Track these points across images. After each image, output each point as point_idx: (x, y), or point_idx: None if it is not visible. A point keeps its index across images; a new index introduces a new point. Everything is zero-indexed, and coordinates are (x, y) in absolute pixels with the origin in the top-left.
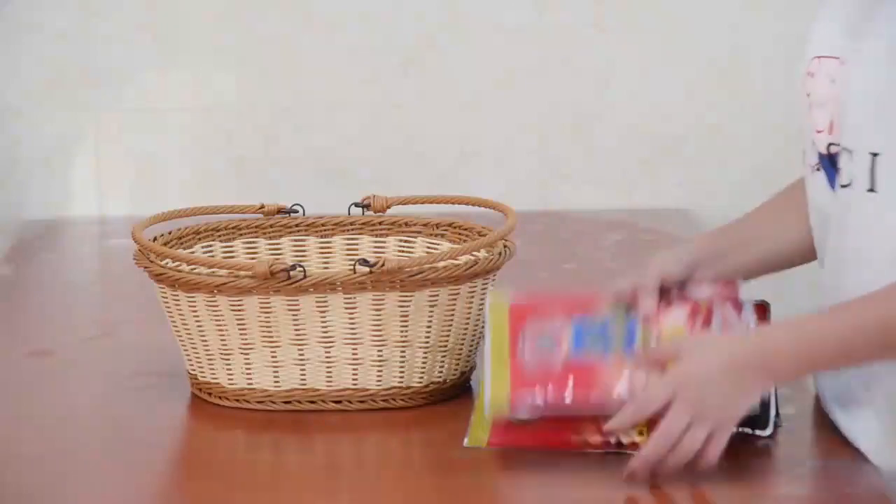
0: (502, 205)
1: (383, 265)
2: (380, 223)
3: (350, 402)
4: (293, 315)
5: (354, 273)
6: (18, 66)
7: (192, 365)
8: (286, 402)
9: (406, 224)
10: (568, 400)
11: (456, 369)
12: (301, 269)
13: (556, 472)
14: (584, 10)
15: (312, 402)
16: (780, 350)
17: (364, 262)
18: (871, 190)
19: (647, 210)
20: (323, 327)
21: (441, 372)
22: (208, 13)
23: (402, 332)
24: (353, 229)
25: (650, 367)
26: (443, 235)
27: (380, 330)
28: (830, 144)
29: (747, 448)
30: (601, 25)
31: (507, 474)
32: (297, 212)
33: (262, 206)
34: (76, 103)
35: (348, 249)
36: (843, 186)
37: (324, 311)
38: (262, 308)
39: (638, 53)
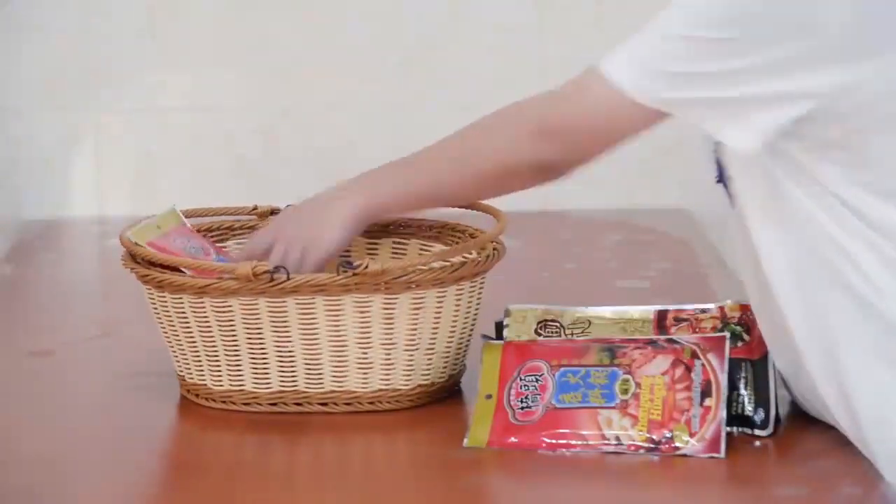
0: (492, 207)
1: (367, 267)
2: (373, 225)
3: (336, 404)
4: (278, 317)
5: (338, 275)
6: (18, 66)
7: (179, 366)
8: (272, 405)
9: (400, 226)
10: (543, 446)
11: (443, 371)
12: (284, 271)
13: (553, 472)
14: (584, 10)
15: (298, 404)
16: (374, 182)
17: (348, 264)
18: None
19: (646, 210)
20: (308, 329)
21: (427, 374)
22: (208, 13)
23: (386, 334)
24: None
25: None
26: (436, 238)
27: (365, 332)
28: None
29: (747, 448)
30: (601, 25)
31: (494, 477)
32: None
33: (256, 208)
34: (76, 103)
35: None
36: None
37: (308, 314)
38: (246, 310)
39: None
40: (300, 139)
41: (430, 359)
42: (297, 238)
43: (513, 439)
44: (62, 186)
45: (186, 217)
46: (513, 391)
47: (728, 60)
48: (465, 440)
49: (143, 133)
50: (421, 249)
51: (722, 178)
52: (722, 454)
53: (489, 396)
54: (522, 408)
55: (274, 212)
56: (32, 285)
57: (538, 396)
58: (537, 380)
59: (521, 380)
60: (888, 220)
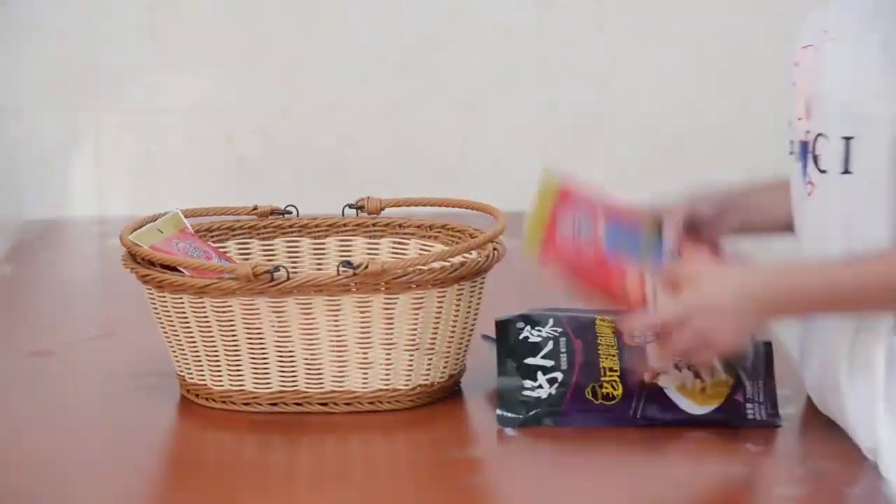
0: (491, 207)
1: (367, 267)
2: (373, 224)
3: (336, 404)
4: (278, 317)
5: (338, 275)
6: (18, 66)
7: (180, 367)
8: (272, 405)
9: (400, 226)
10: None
11: (444, 372)
12: (284, 270)
13: (554, 472)
14: (584, 10)
15: (298, 404)
16: (787, 287)
17: (347, 263)
18: (847, 172)
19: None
20: (308, 329)
21: (427, 374)
22: (208, 13)
23: (387, 334)
24: (346, 231)
25: (666, 282)
26: (436, 237)
27: (365, 332)
28: (807, 131)
29: (747, 448)
30: (601, 25)
31: (495, 477)
32: (290, 213)
33: (256, 208)
34: (76, 103)
35: (341, 251)
36: (822, 172)
37: (308, 313)
38: (246, 310)
39: (638, 53)
40: (300, 139)
41: (430, 359)
42: (712, 348)
43: (563, 258)
44: (62, 186)
45: (186, 217)
46: (565, 224)
47: None
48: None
49: (143, 133)
50: (421, 249)
51: (802, 152)
52: None
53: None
54: (573, 240)
55: (274, 211)
56: (32, 285)
57: (590, 236)
58: (590, 223)
59: (571, 218)
60: None
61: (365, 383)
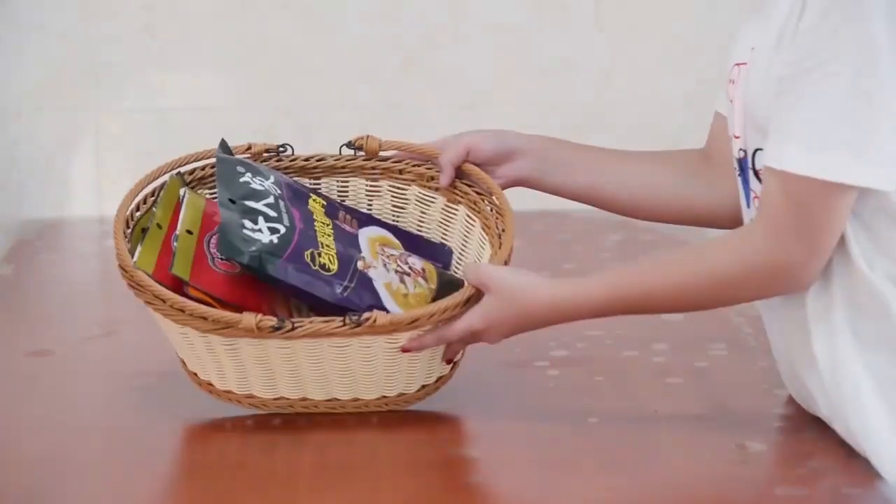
0: (491, 184)
1: (374, 322)
2: (372, 168)
3: (343, 407)
4: (285, 354)
5: (344, 325)
6: (18, 66)
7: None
8: (278, 407)
9: (399, 172)
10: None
11: (445, 367)
12: (290, 323)
13: (555, 473)
14: (584, 10)
15: (305, 407)
16: (561, 316)
17: (354, 316)
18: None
19: None
20: (315, 362)
21: (430, 374)
22: (208, 13)
23: (392, 358)
24: (345, 172)
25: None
26: (437, 189)
27: (370, 361)
28: (741, 149)
29: (746, 448)
30: (601, 25)
31: (496, 477)
32: (285, 151)
33: (250, 147)
34: (76, 103)
35: (340, 194)
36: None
37: (315, 352)
38: (254, 346)
39: (638, 53)
40: (300, 139)
41: (432, 360)
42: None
43: (207, 283)
44: (62, 186)
45: (176, 169)
46: (213, 241)
47: None
48: (135, 261)
49: (143, 133)
50: (420, 198)
51: (742, 168)
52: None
53: (190, 232)
54: (223, 258)
55: (269, 150)
56: (32, 285)
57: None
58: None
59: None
60: None
61: (371, 392)
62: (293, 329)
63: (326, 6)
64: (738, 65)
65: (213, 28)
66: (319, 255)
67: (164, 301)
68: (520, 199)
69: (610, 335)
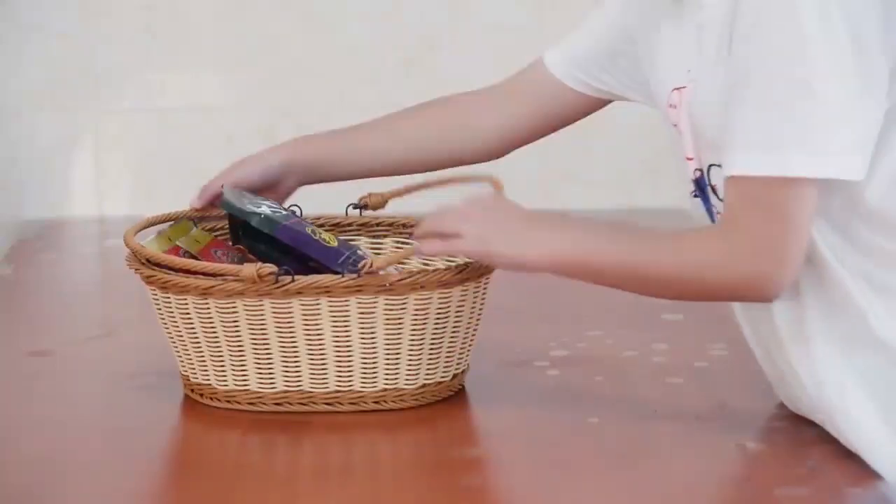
0: (493, 177)
1: (371, 265)
2: (377, 224)
3: (341, 403)
4: (282, 318)
5: (342, 277)
6: (18, 66)
7: (184, 366)
8: (277, 404)
9: (403, 225)
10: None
11: (447, 371)
12: (289, 272)
13: (555, 472)
14: (584, 10)
15: (303, 403)
16: (568, 234)
17: (352, 265)
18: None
19: (647, 210)
20: (312, 331)
21: (432, 374)
22: (208, 13)
23: (391, 335)
24: (350, 230)
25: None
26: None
27: (370, 333)
28: (697, 169)
29: (746, 448)
30: None
31: (497, 476)
32: (294, 213)
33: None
34: (76, 103)
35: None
36: (723, 200)
37: (313, 315)
38: (251, 311)
39: None
40: None
41: (434, 359)
42: (490, 240)
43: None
44: (62, 186)
45: (188, 218)
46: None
47: None
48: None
49: (143, 133)
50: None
51: (700, 188)
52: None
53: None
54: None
55: None
56: (32, 285)
57: None
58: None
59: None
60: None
61: (369, 383)
62: (293, 281)
63: (326, 6)
64: (676, 89)
65: (213, 28)
66: (320, 234)
67: (169, 268)
68: (520, 200)
69: (610, 335)
